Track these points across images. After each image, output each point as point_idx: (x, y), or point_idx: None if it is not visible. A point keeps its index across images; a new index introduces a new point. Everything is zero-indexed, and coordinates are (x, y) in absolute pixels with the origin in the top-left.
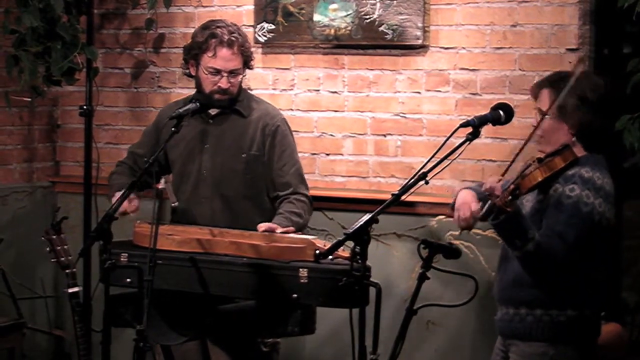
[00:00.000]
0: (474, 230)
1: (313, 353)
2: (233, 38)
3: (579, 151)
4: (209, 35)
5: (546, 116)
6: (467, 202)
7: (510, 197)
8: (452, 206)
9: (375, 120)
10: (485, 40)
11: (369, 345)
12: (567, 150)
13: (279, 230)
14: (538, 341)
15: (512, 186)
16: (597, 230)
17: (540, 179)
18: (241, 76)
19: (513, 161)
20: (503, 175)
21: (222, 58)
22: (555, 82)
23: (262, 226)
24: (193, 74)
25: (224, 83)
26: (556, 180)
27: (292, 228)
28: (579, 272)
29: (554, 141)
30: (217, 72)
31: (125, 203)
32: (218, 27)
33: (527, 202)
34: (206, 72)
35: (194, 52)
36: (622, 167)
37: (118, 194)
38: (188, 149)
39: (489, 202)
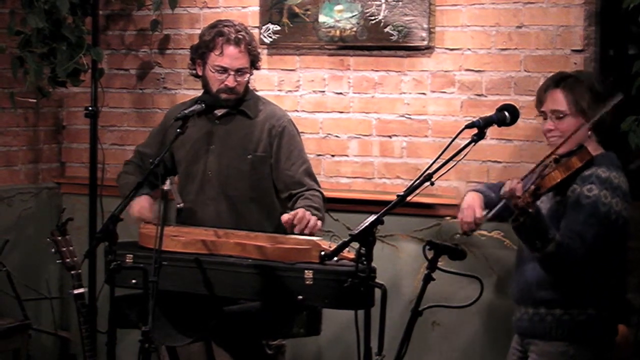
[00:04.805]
0: (479, 232)
1: (318, 354)
2: (240, 36)
3: (594, 148)
4: (217, 34)
5: (567, 115)
6: (472, 206)
7: (532, 199)
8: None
9: (381, 121)
10: (491, 42)
11: (374, 347)
12: (582, 150)
13: (309, 217)
14: (558, 340)
15: (532, 187)
16: (614, 229)
17: (559, 179)
18: (248, 75)
19: (537, 166)
20: (523, 179)
21: (229, 56)
22: (562, 81)
23: (286, 216)
24: (199, 73)
25: (230, 81)
26: (573, 181)
27: (317, 221)
28: (598, 272)
29: (574, 139)
30: (224, 70)
31: (147, 208)
32: (226, 26)
33: (543, 204)
34: (213, 71)
35: (201, 51)
36: (627, 168)
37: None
38: (194, 150)
39: (494, 210)
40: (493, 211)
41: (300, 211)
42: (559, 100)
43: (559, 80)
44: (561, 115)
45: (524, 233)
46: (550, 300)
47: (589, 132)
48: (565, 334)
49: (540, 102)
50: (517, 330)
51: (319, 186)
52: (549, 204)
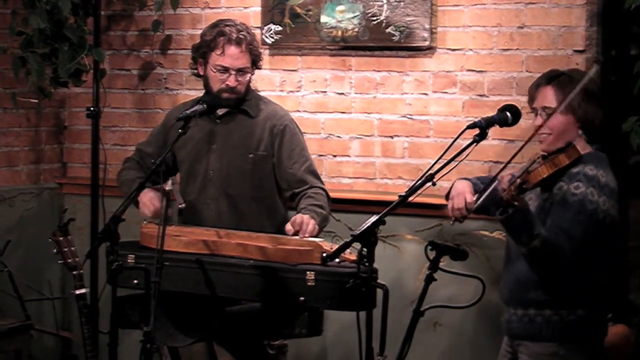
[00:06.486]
0: (480, 232)
1: (320, 355)
2: (241, 36)
3: (583, 147)
4: (218, 33)
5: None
6: (462, 192)
7: (517, 192)
8: (447, 195)
9: (383, 121)
10: (493, 42)
11: (376, 347)
12: (571, 147)
13: (307, 221)
14: (548, 341)
15: (518, 181)
16: (602, 227)
17: (545, 175)
18: (249, 75)
19: (513, 157)
20: (500, 171)
21: (231, 56)
22: (554, 79)
23: (290, 227)
24: (201, 73)
25: (231, 81)
26: (560, 178)
27: (314, 225)
28: (587, 271)
29: (563, 136)
30: (225, 70)
31: (156, 198)
32: (227, 25)
33: (531, 201)
34: (214, 70)
35: (202, 51)
36: (627, 165)
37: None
38: (196, 150)
39: (485, 193)
40: (483, 196)
41: (298, 217)
42: (549, 97)
43: (551, 78)
44: (551, 112)
45: (511, 226)
46: (540, 301)
47: (579, 131)
48: (555, 334)
49: (531, 99)
50: (506, 331)
51: (322, 183)
52: (536, 201)
